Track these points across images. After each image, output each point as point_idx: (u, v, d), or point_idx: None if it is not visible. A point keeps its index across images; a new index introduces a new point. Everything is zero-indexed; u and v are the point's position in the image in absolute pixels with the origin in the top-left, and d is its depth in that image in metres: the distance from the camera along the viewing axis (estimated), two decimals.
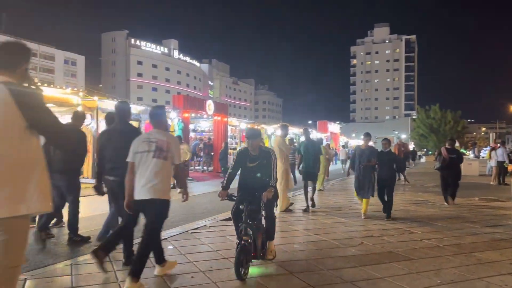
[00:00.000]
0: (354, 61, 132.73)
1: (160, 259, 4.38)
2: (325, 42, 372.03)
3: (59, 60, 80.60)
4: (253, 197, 4.49)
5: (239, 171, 4.87)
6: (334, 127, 40.61)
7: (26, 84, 2.35)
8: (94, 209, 8.06)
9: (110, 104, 16.03)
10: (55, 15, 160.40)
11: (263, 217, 4.75)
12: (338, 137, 41.35)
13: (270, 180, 4.51)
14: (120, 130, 4.84)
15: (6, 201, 2.14)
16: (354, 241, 6.13)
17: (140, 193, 3.98)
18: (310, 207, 9.06)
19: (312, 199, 9.30)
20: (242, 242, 4.16)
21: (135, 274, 3.77)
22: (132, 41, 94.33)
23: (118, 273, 4.47)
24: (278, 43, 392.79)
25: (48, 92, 13.11)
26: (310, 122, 45.86)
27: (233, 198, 4.51)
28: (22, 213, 2.18)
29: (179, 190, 4.76)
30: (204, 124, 25.19)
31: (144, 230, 4.04)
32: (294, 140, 22.17)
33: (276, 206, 4.88)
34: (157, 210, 4.01)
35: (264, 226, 4.81)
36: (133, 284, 3.72)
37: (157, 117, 4.27)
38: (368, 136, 8.55)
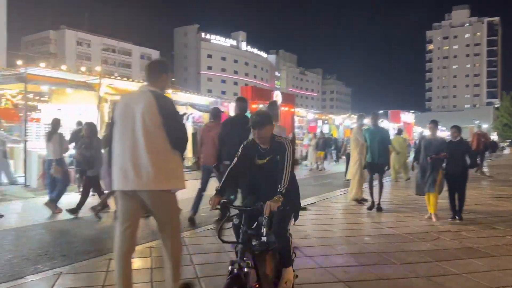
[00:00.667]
0: (430, 47, 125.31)
1: None
2: (398, 27, 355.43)
3: (136, 56, 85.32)
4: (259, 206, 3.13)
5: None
6: (407, 116, 38.76)
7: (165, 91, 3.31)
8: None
9: (183, 97, 16.74)
10: (131, 12, 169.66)
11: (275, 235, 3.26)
12: (412, 127, 39.50)
13: (280, 184, 3.07)
14: (240, 122, 5.52)
15: (163, 179, 3.07)
16: (429, 236, 5.88)
17: None
18: (376, 210, 7.76)
19: (379, 203, 7.84)
20: (235, 270, 2.86)
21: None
22: (203, 35, 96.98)
23: (192, 256, 4.71)
24: (347, 31, 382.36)
25: (127, 86, 13.99)
26: (381, 111, 44.11)
27: (226, 208, 3.19)
28: (172, 187, 3.16)
29: None
30: None
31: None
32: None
33: (296, 219, 3.50)
34: None
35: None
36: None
37: (272, 111, 5.12)
38: (434, 123, 7.27)
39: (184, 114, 7.55)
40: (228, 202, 3.18)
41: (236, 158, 3.40)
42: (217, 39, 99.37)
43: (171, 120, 3.11)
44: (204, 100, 18.01)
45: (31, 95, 14.23)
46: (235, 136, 5.29)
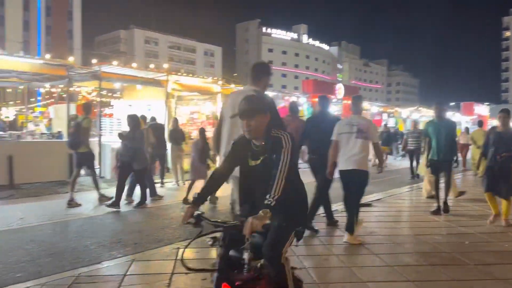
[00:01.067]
0: (506, 34, 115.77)
1: (350, 228, 5.07)
2: (470, 14, 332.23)
3: (200, 52, 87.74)
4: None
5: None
6: (481, 109, 36.32)
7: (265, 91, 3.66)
8: None
9: None
10: (195, 9, 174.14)
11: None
12: (487, 120, 36.96)
13: (269, 195, 2.27)
14: (324, 118, 5.84)
15: None
16: (507, 236, 5.47)
17: (346, 164, 5.05)
18: (442, 212, 6.86)
19: (445, 202, 6.90)
20: None
21: (350, 230, 5.03)
22: (264, 29, 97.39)
23: None
24: (414, 19, 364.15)
25: (192, 82, 14.44)
26: (452, 103, 41.62)
27: (201, 222, 2.41)
28: None
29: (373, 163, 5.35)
30: (333, 109, 24.96)
31: (350, 195, 5.20)
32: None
33: (299, 239, 2.60)
34: (360, 178, 5.04)
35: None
36: (351, 237, 5.01)
37: (356, 106, 5.39)
38: (505, 112, 6.21)
39: None
40: (203, 215, 2.44)
41: (223, 158, 2.66)
42: (277, 33, 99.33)
43: (275, 118, 3.44)
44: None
45: (104, 92, 15.15)
46: (320, 131, 5.54)
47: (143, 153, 7.75)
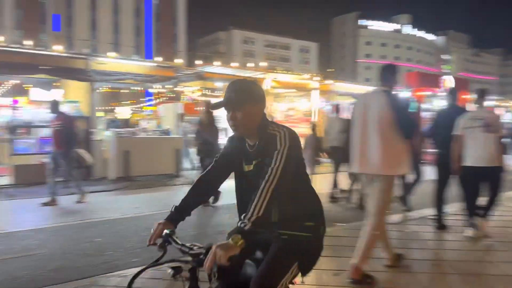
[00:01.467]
0: None
1: (474, 224, 5.07)
2: None
3: (294, 49, 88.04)
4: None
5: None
6: None
7: (393, 91, 3.79)
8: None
9: (340, 87, 16.62)
10: (290, 5, 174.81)
11: None
12: None
13: (245, 214, 1.71)
14: (453, 111, 5.65)
15: (389, 166, 3.58)
16: None
17: (473, 160, 4.93)
18: None
19: None
20: None
21: (483, 216, 5.08)
22: (361, 22, 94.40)
23: None
24: None
25: (289, 79, 14.56)
26: None
27: (165, 245, 1.93)
28: (396, 173, 3.72)
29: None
30: (438, 103, 23.24)
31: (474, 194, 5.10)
32: None
33: (306, 272, 1.92)
34: (495, 175, 4.95)
35: None
36: (482, 222, 5.05)
37: (481, 99, 5.29)
38: None
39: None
40: (172, 235, 1.92)
41: (214, 161, 2.13)
42: (376, 25, 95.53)
43: (401, 115, 3.60)
44: (362, 89, 17.54)
45: (207, 91, 15.94)
46: (449, 125, 5.38)
47: (216, 149, 7.77)
